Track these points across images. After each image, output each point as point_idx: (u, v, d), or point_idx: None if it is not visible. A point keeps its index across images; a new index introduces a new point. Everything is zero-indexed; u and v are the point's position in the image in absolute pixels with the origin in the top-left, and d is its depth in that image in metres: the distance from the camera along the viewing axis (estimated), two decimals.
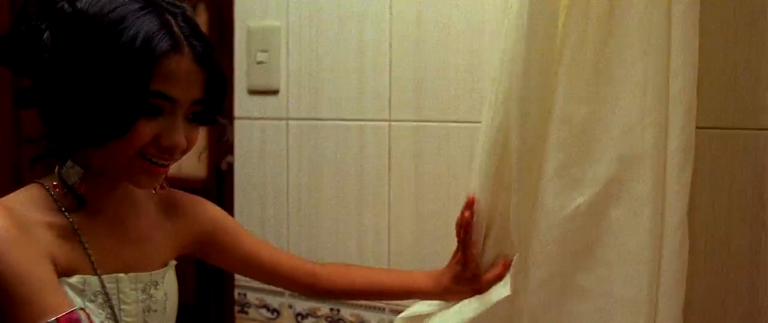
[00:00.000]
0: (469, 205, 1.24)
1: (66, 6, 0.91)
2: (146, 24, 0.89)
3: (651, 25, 1.04)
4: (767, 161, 1.14)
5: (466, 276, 1.22)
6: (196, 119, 0.97)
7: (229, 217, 1.21)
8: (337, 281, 1.25)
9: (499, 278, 1.20)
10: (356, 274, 1.27)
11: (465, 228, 1.23)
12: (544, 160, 1.11)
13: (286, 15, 1.56)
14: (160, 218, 1.09)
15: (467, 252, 1.21)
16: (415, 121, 1.41)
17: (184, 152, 0.97)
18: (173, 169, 0.98)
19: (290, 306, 1.58)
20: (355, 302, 1.50)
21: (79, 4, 0.91)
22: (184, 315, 1.73)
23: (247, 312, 1.63)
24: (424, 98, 1.40)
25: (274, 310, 1.60)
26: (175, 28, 0.92)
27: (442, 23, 1.37)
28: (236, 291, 1.65)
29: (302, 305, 1.57)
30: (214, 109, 0.99)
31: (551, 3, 1.08)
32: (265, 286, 1.59)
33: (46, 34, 0.91)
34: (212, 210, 1.18)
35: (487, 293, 1.20)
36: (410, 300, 1.29)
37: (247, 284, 1.62)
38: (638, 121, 1.05)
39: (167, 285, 1.07)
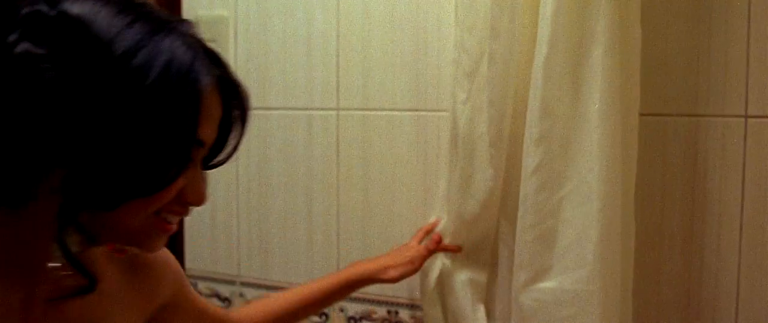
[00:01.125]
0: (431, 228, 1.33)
1: (45, 9, 0.65)
2: (177, 51, 0.67)
3: (613, 14, 1.05)
4: (700, 147, 1.18)
5: (409, 271, 1.28)
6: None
7: (182, 269, 1.01)
8: (257, 317, 1.15)
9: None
10: (275, 302, 1.19)
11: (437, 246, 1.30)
12: (524, 155, 1.09)
13: (234, 5, 1.56)
14: (123, 288, 0.87)
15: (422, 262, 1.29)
16: (362, 109, 1.43)
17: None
18: None
19: (241, 295, 1.59)
20: None
21: (70, 8, 0.65)
22: None
23: None
24: (372, 86, 1.41)
25: (225, 299, 1.61)
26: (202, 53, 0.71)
27: (389, 13, 1.39)
28: None
29: (253, 294, 1.57)
30: (227, 149, 0.79)
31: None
32: (216, 275, 1.60)
33: (44, 52, 0.64)
34: (176, 266, 0.99)
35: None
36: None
37: (197, 273, 1.62)
38: (609, 109, 1.05)
39: None
